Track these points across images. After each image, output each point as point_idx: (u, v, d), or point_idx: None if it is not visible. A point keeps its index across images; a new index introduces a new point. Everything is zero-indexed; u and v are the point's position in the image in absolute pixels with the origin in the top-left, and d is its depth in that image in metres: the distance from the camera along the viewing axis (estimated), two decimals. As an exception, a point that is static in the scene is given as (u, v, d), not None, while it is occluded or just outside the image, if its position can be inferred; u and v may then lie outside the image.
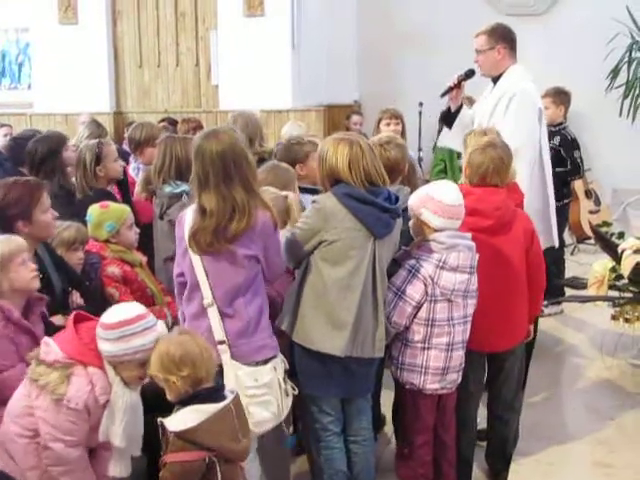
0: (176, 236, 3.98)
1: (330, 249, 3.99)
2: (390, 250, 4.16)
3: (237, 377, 3.82)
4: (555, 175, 7.50)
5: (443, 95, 6.29)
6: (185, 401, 3.39)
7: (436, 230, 4.13)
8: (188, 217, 3.85)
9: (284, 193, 4.47)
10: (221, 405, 3.37)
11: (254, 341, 3.88)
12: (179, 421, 3.33)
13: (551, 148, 7.59)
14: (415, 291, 4.10)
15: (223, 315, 3.84)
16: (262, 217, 3.83)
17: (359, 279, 4.01)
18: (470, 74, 6.22)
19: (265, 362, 3.90)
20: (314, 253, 4.04)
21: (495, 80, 6.11)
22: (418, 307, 4.12)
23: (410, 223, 4.28)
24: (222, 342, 3.84)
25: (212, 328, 3.84)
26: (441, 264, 4.09)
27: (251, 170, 3.86)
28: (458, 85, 6.18)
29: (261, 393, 3.85)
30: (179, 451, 3.30)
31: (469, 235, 4.23)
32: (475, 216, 4.39)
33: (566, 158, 7.70)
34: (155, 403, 4.48)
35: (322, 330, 4.01)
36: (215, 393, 3.42)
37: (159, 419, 3.41)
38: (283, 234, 4.12)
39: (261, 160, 5.66)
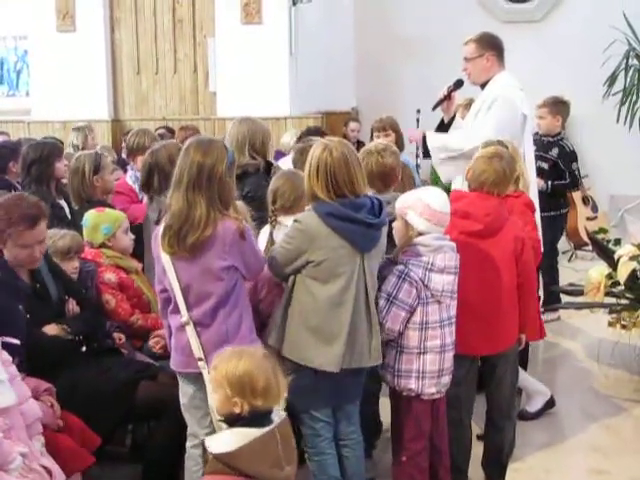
0: (153, 253, 3.98)
1: (318, 269, 3.95)
2: (378, 258, 4.14)
3: None
4: (553, 188, 7.54)
5: (435, 107, 6.32)
6: (231, 421, 3.20)
7: (419, 233, 4.13)
8: (161, 232, 3.88)
9: None
10: (265, 430, 3.14)
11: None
12: (221, 443, 3.15)
13: (549, 159, 7.63)
14: (407, 295, 4.08)
15: (200, 329, 3.85)
16: (229, 227, 3.81)
17: (350, 294, 3.98)
18: (459, 84, 6.25)
19: None
20: (301, 272, 4.00)
21: (483, 87, 6.15)
22: (411, 311, 4.11)
23: (394, 224, 4.26)
24: (201, 359, 3.84)
25: (191, 345, 3.85)
26: (429, 266, 4.08)
27: (223, 189, 3.84)
28: (449, 96, 6.21)
29: None
30: (217, 473, 3.14)
31: (448, 236, 4.24)
32: (466, 219, 4.41)
33: (564, 170, 7.68)
34: (149, 412, 4.53)
35: (315, 346, 3.98)
36: (263, 416, 3.19)
37: (203, 438, 3.28)
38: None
39: (245, 173, 5.50)
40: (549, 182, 7.50)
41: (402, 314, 4.09)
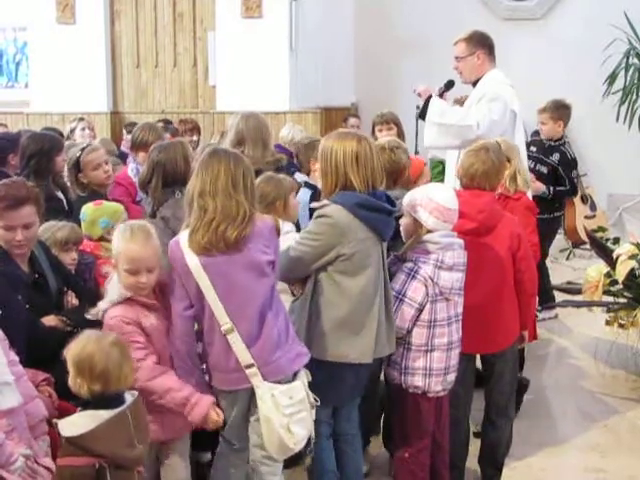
0: (173, 266, 3.78)
1: (349, 262, 3.92)
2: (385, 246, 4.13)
3: (273, 397, 3.69)
4: (555, 193, 7.53)
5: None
6: (83, 403, 3.31)
7: (428, 230, 4.12)
8: (182, 237, 3.75)
9: None
10: (115, 411, 3.26)
11: (289, 350, 3.77)
12: (71, 426, 3.24)
13: (548, 164, 7.61)
14: (417, 293, 4.07)
15: (249, 339, 3.69)
16: (268, 222, 3.80)
17: (380, 284, 3.99)
18: (450, 85, 6.28)
19: (294, 377, 3.80)
20: (327, 268, 3.95)
21: (475, 85, 6.15)
22: (421, 309, 4.10)
23: (401, 221, 4.25)
24: (250, 365, 3.69)
25: (237, 355, 3.68)
26: (439, 264, 4.07)
27: (253, 190, 3.80)
28: (440, 97, 6.21)
29: (297, 410, 3.74)
30: (69, 455, 3.23)
31: (455, 234, 4.23)
32: (461, 218, 4.40)
33: (564, 177, 7.64)
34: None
35: (347, 341, 3.95)
36: (113, 399, 3.30)
37: (54, 420, 3.34)
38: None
39: (278, 169, 5.47)
40: (551, 188, 7.48)
41: (411, 312, 4.08)
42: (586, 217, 10.12)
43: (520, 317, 4.64)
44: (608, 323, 6.32)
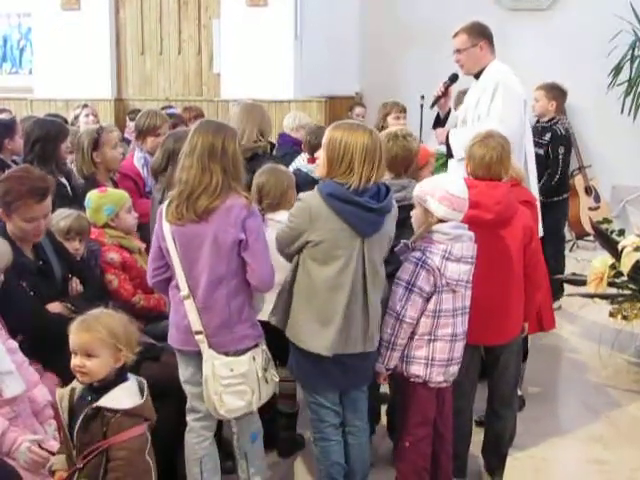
0: (156, 229, 4.01)
1: (317, 249, 3.94)
2: (383, 246, 4.09)
3: (213, 366, 3.91)
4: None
5: (433, 106, 6.33)
6: (106, 384, 3.31)
7: (439, 220, 4.10)
8: (165, 204, 3.96)
9: None
10: (138, 379, 3.40)
11: (236, 332, 3.95)
12: (124, 400, 3.28)
13: (543, 145, 7.63)
14: (425, 283, 4.05)
15: (201, 308, 3.92)
16: (239, 201, 3.87)
17: (347, 278, 3.96)
18: (454, 78, 6.22)
19: (244, 352, 3.97)
20: (303, 252, 3.99)
21: (477, 77, 6.09)
22: (428, 299, 4.09)
23: (412, 212, 4.24)
24: (199, 332, 3.92)
25: (189, 319, 3.92)
26: (447, 255, 4.05)
27: (237, 163, 3.93)
28: (445, 92, 6.19)
29: (236, 382, 3.92)
30: (131, 427, 3.26)
31: (466, 225, 4.21)
32: (476, 209, 4.36)
33: (550, 153, 7.70)
34: (152, 394, 4.51)
35: (311, 329, 3.98)
36: (123, 373, 3.40)
37: (96, 404, 3.26)
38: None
39: (255, 156, 5.61)
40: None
41: (420, 302, 4.07)
42: (590, 209, 10.16)
43: (525, 308, 4.64)
44: (612, 315, 6.32)
